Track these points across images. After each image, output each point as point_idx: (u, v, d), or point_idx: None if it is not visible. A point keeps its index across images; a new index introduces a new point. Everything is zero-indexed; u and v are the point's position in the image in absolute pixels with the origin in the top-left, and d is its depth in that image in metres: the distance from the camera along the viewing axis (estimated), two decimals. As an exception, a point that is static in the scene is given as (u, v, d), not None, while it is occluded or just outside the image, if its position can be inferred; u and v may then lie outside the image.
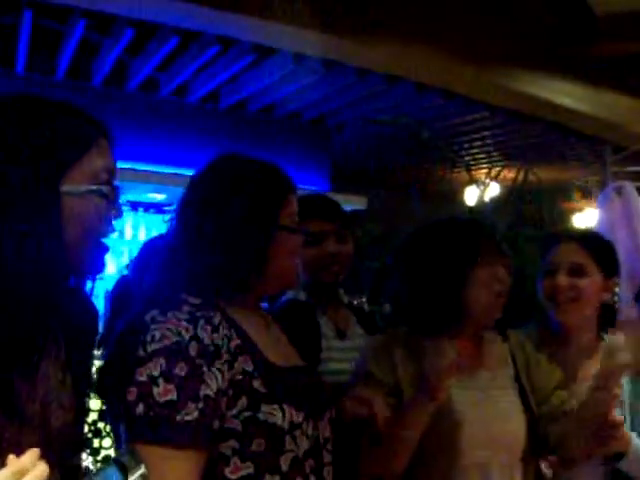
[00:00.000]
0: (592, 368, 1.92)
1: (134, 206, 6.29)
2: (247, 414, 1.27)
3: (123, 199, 1.27)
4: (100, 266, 1.23)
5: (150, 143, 5.95)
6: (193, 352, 1.23)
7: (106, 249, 1.22)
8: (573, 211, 8.76)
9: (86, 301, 1.32)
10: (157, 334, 1.24)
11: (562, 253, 2.11)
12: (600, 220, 3.74)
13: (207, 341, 1.25)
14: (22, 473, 0.85)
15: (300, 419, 1.33)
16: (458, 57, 5.21)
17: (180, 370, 1.21)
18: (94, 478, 0.97)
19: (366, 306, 3.21)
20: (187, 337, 1.24)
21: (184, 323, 1.25)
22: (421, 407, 1.59)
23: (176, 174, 5.66)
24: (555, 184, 7.82)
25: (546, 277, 2.11)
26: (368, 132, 7.12)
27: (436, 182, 7.76)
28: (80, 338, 1.26)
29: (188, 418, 1.19)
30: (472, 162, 8.18)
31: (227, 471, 1.27)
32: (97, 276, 1.23)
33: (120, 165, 1.28)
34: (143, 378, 1.20)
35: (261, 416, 1.27)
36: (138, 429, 1.18)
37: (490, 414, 1.74)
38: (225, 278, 1.37)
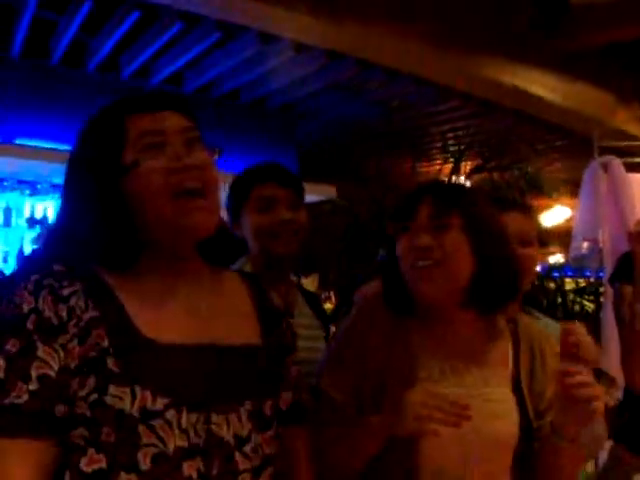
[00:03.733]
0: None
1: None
2: (94, 397, 1.06)
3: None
4: None
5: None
6: (31, 326, 1.07)
7: None
8: (541, 209, 8.71)
9: None
10: (2, 307, 1.10)
11: (510, 222, 1.88)
12: (584, 196, 3.63)
13: (48, 313, 1.08)
14: None
15: (160, 406, 1.07)
16: (432, 44, 5.09)
17: (12, 346, 1.05)
18: None
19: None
20: (26, 309, 1.08)
21: (26, 294, 1.09)
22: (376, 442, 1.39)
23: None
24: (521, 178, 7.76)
25: None
26: (337, 121, 6.98)
27: (406, 176, 7.63)
28: None
29: (17, 401, 1.02)
30: (442, 153, 8.06)
31: (82, 463, 1.07)
32: None
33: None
34: None
35: (108, 400, 1.06)
36: None
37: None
38: (88, 242, 1.17)
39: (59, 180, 6.14)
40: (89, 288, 1.13)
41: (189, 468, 1.08)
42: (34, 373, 1.04)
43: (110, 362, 1.07)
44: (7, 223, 5.24)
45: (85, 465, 1.06)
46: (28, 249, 5.13)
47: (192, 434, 1.09)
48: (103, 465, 1.05)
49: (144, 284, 1.19)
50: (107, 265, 1.17)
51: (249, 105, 6.60)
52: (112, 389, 1.05)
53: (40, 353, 1.06)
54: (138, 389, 1.06)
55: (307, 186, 2.26)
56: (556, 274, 3.79)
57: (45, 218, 5.22)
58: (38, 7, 4.52)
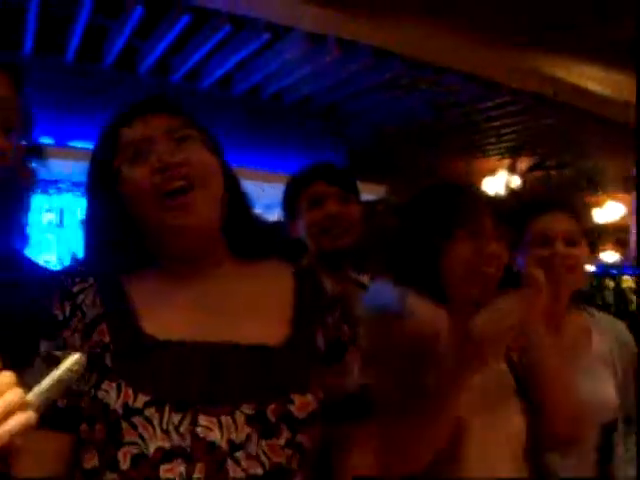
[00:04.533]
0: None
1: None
2: (92, 392, 1.08)
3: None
4: None
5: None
6: (41, 323, 1.16)
7: None
8: (594, 206, 8.54)
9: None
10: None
11: (555, 222, 1.95)
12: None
13: (55, 310, 1.16)
14: None
15: (139, 404, 1.04)
16: (481, 39, 5.03)
17: None
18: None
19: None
20: (40, 308, 1.17)
21: (45, 294, 1.19)
22: (461, 379, 1.39)
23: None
24: (579, 175, 7.61)
25: (538, 248, 1.93)
26: (387, 119, 6.94)
27: (454, 172, 7.55)
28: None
29: None
30: (493, 150, 7.96)
31: (85, 459, 1.08)
32: None
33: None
34: None
35: (100, 395, 1.06)
36: None
37: (492, 405, 1.52)
38: (102, 246, 1.24)
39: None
40: (101, 286, 1.18)
41: (168, 471, 1.03)
42: None
43: (107, 358, 1.09)
44: (61, 224, 5.36)
45: (86, 462, 1.08)
46: (80, 249, 5.23)
47: (174, 435, 1.04)
48: (96, 463, 1.06)
49: (156, 282, 1.21)
50: (117, 268, 1.22)
51: (298, 105, 6.61)
52: (104, 384, 1.06)
53: (43, 348, 1.12)
54: (123, 384, 1.06)
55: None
56: (614, 272, 3.71)
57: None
58: (92, 13, 4.60)
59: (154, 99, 1.28)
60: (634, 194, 3.44)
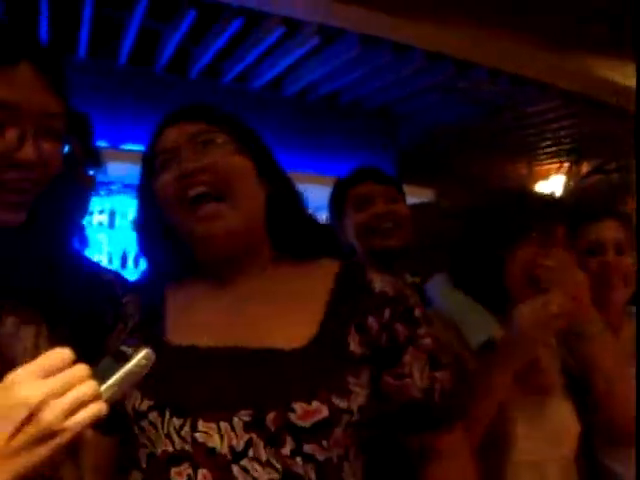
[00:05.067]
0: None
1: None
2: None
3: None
4: None
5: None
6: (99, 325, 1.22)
7: None
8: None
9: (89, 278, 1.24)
10: None
11: (607, 230, 1.91)
12: None
13: (106, 317, 1.23)
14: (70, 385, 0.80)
15: (145, 407, 1.09)
16: (532, 40, 4.95)
17: None
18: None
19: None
20: (98, 309, 1.23)
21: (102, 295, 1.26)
22: (504, 368, 1.45)
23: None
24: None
25: (590, 256, 1.91)
26: (437, 122, 6.87)
27: (504, 177, 7.45)
28: (73, 312, 1.16)
29: None
30: (545, 154, 7.83)
31: (124, 457, 1.17)
32: None
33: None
34: None
35: (126, 400, 1.12)
36: None
37: (543, 406, 1.55)
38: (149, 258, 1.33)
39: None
40: (145, 293, 1.26)
41: (177, 474, 1.05)
42: None
43: None
44: (112, 225, 5.44)
45: (125, 460, 1.15)
46: (131, 250, 5.32)
47: (177, 439, 1.06)
48: (127, 461, 1.14)
49: (191, 288, 1.25)
50: (164, 275, 1.28)
51: (347, 108, 6.60)
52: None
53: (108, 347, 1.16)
54: (135, 390, 1.10)
55: (405, 188, 2.27)
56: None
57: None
58: (145, 17, 4.65)
59: (176, 109, 1.30)
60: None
